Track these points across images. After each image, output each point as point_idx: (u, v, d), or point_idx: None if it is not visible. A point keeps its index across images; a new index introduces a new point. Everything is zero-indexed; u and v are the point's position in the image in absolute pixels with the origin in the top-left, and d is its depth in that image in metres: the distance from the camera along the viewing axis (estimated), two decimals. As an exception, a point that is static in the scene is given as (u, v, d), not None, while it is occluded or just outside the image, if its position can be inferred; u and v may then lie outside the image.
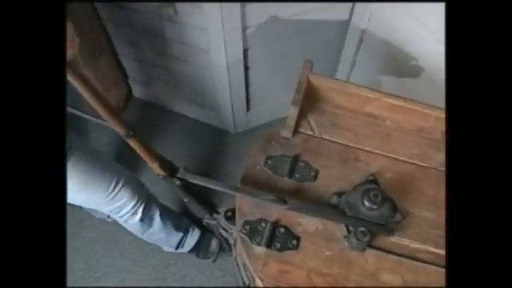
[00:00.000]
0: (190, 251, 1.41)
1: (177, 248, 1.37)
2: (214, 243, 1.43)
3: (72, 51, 0.52)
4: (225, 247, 1.42)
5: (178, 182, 0.82)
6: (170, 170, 0.77)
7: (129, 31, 1.47)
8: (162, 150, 0.80)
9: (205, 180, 0.72)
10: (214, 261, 1.45)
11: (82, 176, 0.92)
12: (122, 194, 1.03)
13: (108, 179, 0.99)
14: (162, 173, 0.78)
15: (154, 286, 1.43)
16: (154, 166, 0.76)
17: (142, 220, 1.13)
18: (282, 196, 0.67)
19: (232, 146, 1.74)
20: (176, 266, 1.46)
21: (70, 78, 0.54)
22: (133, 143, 0.71)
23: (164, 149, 0.85)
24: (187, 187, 0.86)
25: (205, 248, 1.43)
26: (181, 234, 1.33)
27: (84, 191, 0.94)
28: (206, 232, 1.43)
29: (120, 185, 1.01)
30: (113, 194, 1.00)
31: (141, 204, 1.10)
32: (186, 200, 0.97)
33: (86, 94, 0.57)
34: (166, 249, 1.41)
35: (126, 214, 1.09)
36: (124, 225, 1.17)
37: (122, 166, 1.07)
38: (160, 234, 1.25)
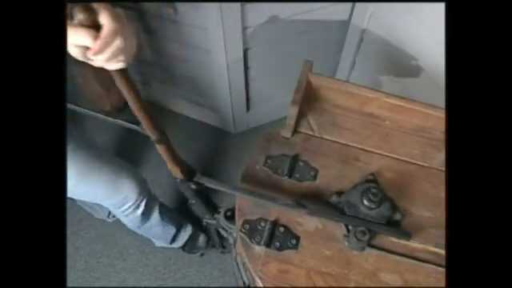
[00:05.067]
0: (180, 246, 1.41)
1: (171, 243, 1.37)
2: (202, 238, 1.44)
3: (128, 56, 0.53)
4: (215, 244, 1.42)
5: (193, 186, 0.82)
6: (189, 174, 0.78)
7: (129, 31, 1.47)
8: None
9: (220, 184, 0.72)
10: (202, 255, 1.47)
11: (80, 166, 0.90)
12: (124, 186, 1.02)
13: (108, 170, 0.97)
14: (181, 176, 0.79)
15: (154, 286, 1.43)
16: (175, 170, 0.77)
17: (142, 214, 1.13)
18: (301, 201, 0.68)
19: (232, 146, 1.74)
20: (176, 265, 1.46)
21: (118, 82, 0.57)
22: (161, 148, 0.71)
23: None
24: (197, 190, 0.87)
25: (192, 243, 1.43)
26: (175, 229, 1.33)
27: (83, 182, 0.93)
28: (196, 228, 1.44)
29: (121, 177, 1.00)
30: (114, 186, 0.99)
31: (143, 198, 1.10)
32: (192, 202, 0.97)
33: (128, 96, 0.62)
34: (158, 243, 1.42)
35: (128, 209, 1.08)
36: (123, 219, 1.16)
37: (123, 160, 1.07)
38: (156, 228, 1.25)
